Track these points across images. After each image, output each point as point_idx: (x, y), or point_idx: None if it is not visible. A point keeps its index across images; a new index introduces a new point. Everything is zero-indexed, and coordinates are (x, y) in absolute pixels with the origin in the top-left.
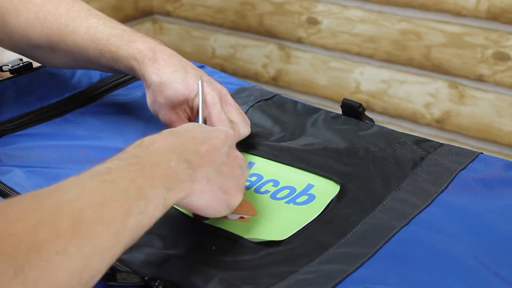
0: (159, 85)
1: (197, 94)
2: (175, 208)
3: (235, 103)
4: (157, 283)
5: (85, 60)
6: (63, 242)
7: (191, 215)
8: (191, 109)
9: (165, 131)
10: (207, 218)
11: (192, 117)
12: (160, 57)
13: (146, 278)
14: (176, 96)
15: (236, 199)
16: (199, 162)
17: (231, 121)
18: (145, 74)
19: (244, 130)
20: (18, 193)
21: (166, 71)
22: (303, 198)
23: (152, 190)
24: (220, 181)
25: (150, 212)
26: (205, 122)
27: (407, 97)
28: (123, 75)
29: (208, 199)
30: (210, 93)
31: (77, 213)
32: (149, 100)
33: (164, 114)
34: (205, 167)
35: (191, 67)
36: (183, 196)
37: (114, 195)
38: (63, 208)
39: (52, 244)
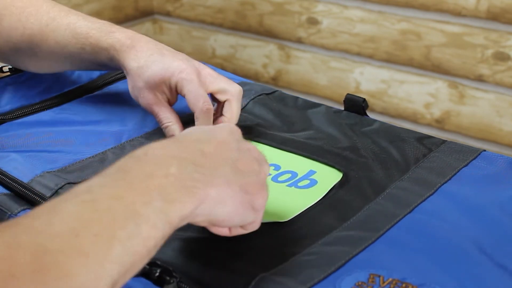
0: (137, 69)
1: (174, 73)
2: None
3: (215, 72)
4: (157, 272)
5: (67, 58)
6: (20, 283)
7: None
8: (170, 89)
9: (160, 141)
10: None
11: (172, 99)
12: (137, 44)
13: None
14: (153, 77)
15: (260, 198)
16: (209, 162)
17: (218, 89)
18: (124, 62)
19: (235, 87)
20: (13, 178)
21: (143, 56)
22: (305, 182)
23: (146, 206)
24: (239, 180)
25: (145, 234)
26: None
27: (407, 97)
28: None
29: (232, 205)
30: (186, 69)
31: (40, 244)
32: (129, 86)
33: (143, 98)
34: (220, 167)
35: (167, 49)
36: (198, 205)
37: (93, 218)
38: (23, 240)
39: (5, 286)
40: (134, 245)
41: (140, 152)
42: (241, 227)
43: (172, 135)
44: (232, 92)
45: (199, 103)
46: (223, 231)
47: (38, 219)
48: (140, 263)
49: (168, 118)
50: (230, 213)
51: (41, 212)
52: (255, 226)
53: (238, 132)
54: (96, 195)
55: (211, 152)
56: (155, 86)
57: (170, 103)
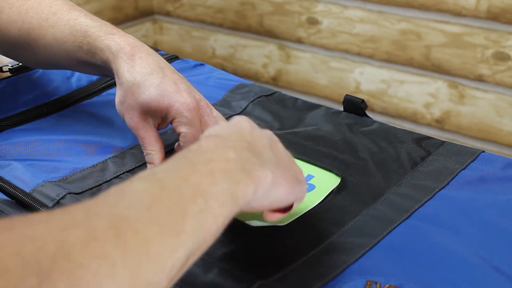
0: (132, 86)
1: (174, 107)
2: None
3: (217, 112)
4: None
5: (64, 55)
6: (102, 244)
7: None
8: (164, 119)
9: (201, 138)
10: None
11: (162, 125)
12: (138, 54)
13: None
14: (148, 102)
15: (299, 172)
16: (256, 149)
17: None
18: (119, 70)
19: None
20: (15, 186)
21: (141, 71)
22: None
23: (214, 186)
24: (280, 161)
25: (215, 210)
26: None
27: (407, 97)
28: None
29: (285, 184)
30: (188, 106)
31: (117, 214)
32: (117, 99)
33: (130, 118)
34: (264, 153)
35: (170, 70)
36: (259, 187)
37: (162, 195)
38: (99, 210)
39: (87, 246)
40: (206, 219)
41: (193, 146)
42: (291, 206)
43: (151, 163)
44: None
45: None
46: (277, 216)
47: (110, 196)
48: (210, 240)
49: (153, 146)
50: (286, 192)
51: (111, 192)
52: (301, 200)
53: (252, 121)
54: (162, 177)
55: (252, 141)
56: (148, 111)
57: (158, 128)
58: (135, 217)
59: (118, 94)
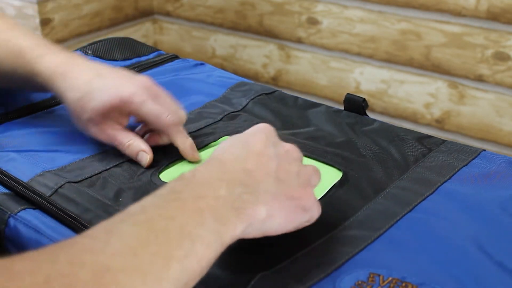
0: (78, 101)
1: (123, 100)
2: None
3: (163, 93)
4: None
5: (2, 75)
6: None
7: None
8: (120, 114)
9: (204, 163)
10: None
11: (123, 121)
12: (70, 70)
13: None
14: (99, 108)
15: (307, 198)
16: (254, 180)
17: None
18: (61, 93)
19: (183, 114)
20: (14, 178)
21: (80, 84)
22: None
23: (200, 227)
24: (283, 189)
25: (200, 254)
26: None
27: (407, 97)
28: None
29: (283, 215)
30: (135, 92)
31: (101, 263)
32: (73, 119)
33: (91, 129)
34: (262, 183)
35: (104, 69)
36: (249, 224)
37: (149, 238)
38: (84, 259)
39: None
40: (190, 264)
41: (188, 175)
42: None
43: (139, 151)
44: (182, 119)
45: (162, 118)
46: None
47: (96, 239)
48: (193, 283)
49: (127, 136)
50: (282, 223)
51: (98, 232)
52: (312, 221)
53: (271, 132)
54: (150, 215)
55: (253, 168)
56: (104, 115)
57: (122, 125)
58: (119, 267)
59: (70, 114)
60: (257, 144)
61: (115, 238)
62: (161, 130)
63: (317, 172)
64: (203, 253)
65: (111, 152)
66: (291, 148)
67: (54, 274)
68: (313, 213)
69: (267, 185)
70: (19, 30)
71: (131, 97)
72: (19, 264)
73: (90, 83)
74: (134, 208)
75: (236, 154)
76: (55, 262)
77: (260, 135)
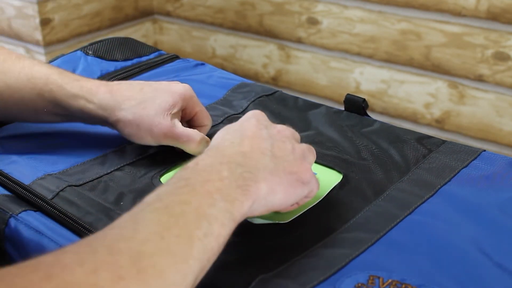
0: (138, 105)
1: (181, 95)
2: None
3: (201, 105)
4: None
5: (19, 104)
6: (127, 284)
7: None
8: (179, 111)
9: (202, 153)
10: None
11: (183, 117)
12: (112, 88)
13: None
14: (164, 103)
15: (304, 171)
16: (251, 160)
17: (203, 125)
18: (109, 107)
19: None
20: (15, 180)
21: (132, 94)
22: None
23: (212, 207)
24: (281, 165)
25: (216, 232)
26: None
27: (407, 97)
28: (126, 70)
29: (283, 189)
30: (188, 89)
31: (136, 249)
32: (129, 130)
33: (157, 126)
34: (259, 161)
35: (144, 82)
36: (254, 201)
37: (171, 222)
38: (120, 247)
39: (115, 286)
40: (209, 242)
41: (191, 164)
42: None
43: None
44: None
45: (209, 115)
46: (290, 208)
47: (124, 228)
48: (213, 259)
49: (196, 132)
50: (284, 197)
51: (124, 222)
52: (311, 195)
53: (262, 116)
54: (167, 202)
55: (249, 150)
56: (169, 110)
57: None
58: (151, 251)
59: (127, 125)
60: (250, 128)
61: (141, 225)
62: (197, 124)
63: (311, 149)
64: (219, 231)
65: (112, 156)
66: (282, 128)
67: (99, 263)
68: (312, 186)
69: (265, 163)
70: (30, 58)
71: (188, 92)
72: (66, 257)
73: (142, 91)
74: (150, 197)
75: (231, 139)
76: (96, 252)
77: (252, 120)
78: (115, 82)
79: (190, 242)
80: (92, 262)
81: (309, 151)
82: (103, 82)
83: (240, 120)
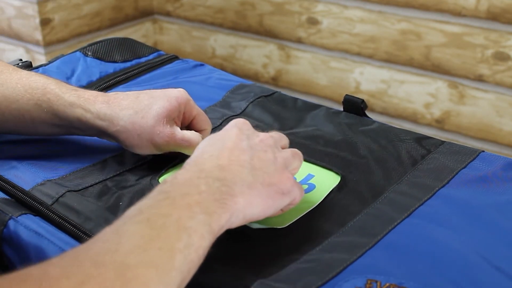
0: (136, 114)
1: (178, 100)
2: None
3: (198, 108)
4: None
5: (15, 115)
6: None
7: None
8: (178, 116)
9: (183, 166)
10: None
11: (182, 123)
12: (111, 96)
13: None
14: (163, 110)
15: (284, 182)
16: (229, 174)
17: (203, 130)
18: (107, 115)
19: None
20: (15, 185)
21: (128, 103)
22: (303, 187)
23: (192, 220)
24: (259, 178)
25: (196, 244)
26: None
27: (407, 97)
28: (125, 72)
29: (261, 202)
30: (184, 93)
31: (120, 261)
32: (130, 140)
33: (159, 134)
34: (237, 175)
35: (140, 92)
36: (231, 214)
37: (153, 235)
38: (105, 260)
39: None
40: (190, 253)
41: (170, 178)
42: (281, 209)
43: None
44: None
45: (208, 119)
46: (275, 214)
47: (108, 241)
48: (193, 271)
49: (197, 135)
50: (262, 210)
51: (108, 235)
52: (295, 203)
53: (246, 125)
54: (148, 215)
55: (227, 163)
56: (167, 116)
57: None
58: (135, 263)
59: (127, 134)
60: (231, 139)
61: (124, 238)
62: (197, 129)
63: (296, 155)
64: (199, 243)
65: (111, 162)
66: (265, 137)
67: (85, 277)
68: (294, 194)
69: (242, 176)
70: (26, 71)
71: (184, 95)
72: (52, 269)
73: (137, 99)
74: (132, 211)
75: (211, 152)
76: (81, 265)
77: (234, 129)
78: (112, 93)
79: (172, 254)
80: (78, 275)
81: (294, 157)
82: (100, 93)
83: (223, 129)
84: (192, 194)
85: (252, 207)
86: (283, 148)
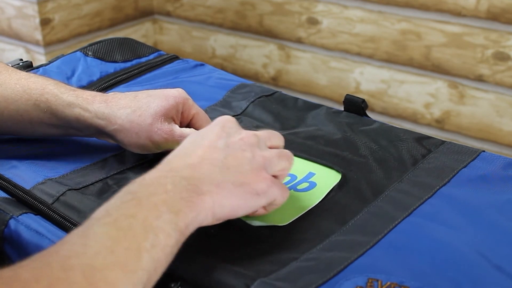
0: (133, 112)
1: (176, 99)
2: None
3: (197, 107)
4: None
5: (14, 116)
6: None
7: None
8: (177, 115)
9: (154, 167)
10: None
11: (181, 121)
12: (109, 96)
13: None
14: (162, 108)
15: (259, 182)
16: (196, 172)
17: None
18: (105, 114)
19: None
20: (15, 184)
21: (127, 102)
22: (304, 185)
23: (158, 219)
24: (230, 177)
25: (163, 243)
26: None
27: (407, 97)
28: (126, 72)
29: (230, 202)
30: (183, 93)
31: (87, 264)
32: (128, 139)
33: (157, 132)
34: (206, 174)
35: (138, 92)
36: (198, 212)
37: (119, 236)
38: (73, 263)
39: None
40: (156, 252)
41: (138, 179)
42: (264, 208)
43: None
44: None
45: (208, 117)
46: (253, 214)
47: (75, 244)
48: (161, 269)
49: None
50: (232, 209)
51: (74, 238)
52: (278, 203)
53: (229, 123)
54: (115, 216)
55: (198, 162)
56: (165, 114)
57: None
58: (102, 265)
59: (125, 133)
60: (208, 137)
61: (91, 240)
62: (197, 128)
63: (283, 156)
64: (166, 242)
65: (112, 160)
66: (247, 135)
67: (54, 280)
68: (272, 195)
69: (212, 175)
70: (27, 73)
71: (182, 94)
72: (23, 272)
73: (136, 98)
74: (99, 213)
75: (186, 150)
76: (50, 268)
77: (215, 128)
78: (111, 93)
79: (139, 254)
80: (47, 279)
81: (280, 158)
82: (99, 93)
83: (207, 126)
84: (158, 193)
85: (221, 206)
86: (273, 147)
